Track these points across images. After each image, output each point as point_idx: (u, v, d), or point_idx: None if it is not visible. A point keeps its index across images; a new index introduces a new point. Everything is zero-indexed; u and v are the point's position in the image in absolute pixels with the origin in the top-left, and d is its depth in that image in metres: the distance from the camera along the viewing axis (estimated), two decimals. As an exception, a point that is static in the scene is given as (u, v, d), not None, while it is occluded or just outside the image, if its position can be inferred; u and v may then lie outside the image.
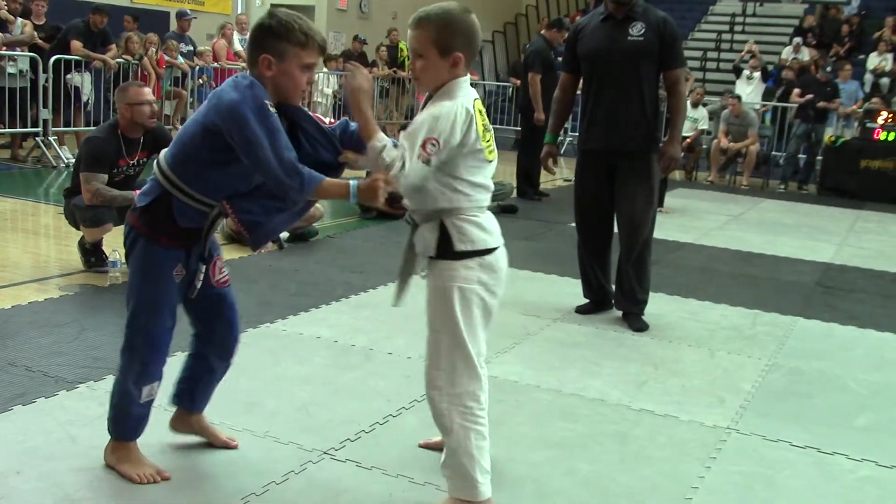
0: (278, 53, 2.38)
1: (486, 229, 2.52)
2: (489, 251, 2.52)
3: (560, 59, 5.63)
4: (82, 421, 2.93)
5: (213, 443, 2.83)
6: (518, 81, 12.96)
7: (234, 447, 2.82)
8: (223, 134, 2.33)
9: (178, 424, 2.83)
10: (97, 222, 4.88)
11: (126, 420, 2.60)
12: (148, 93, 4.82)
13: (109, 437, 2.64)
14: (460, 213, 2.45)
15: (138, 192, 2.58)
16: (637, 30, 4.37)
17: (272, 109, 2.34)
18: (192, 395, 2.78)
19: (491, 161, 2.53)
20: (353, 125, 2.56)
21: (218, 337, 2.73)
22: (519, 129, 11.18)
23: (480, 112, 2.47)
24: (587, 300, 4.76)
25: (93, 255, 5.02)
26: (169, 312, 2.55)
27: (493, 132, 2.57)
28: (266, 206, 2.44)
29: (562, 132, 5.12)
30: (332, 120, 2.65)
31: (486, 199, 2.52)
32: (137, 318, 2.53)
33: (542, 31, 9.30)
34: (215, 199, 2.47)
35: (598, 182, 4.56)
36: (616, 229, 4.61)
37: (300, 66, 2.42)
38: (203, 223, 2.51)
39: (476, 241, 2.48)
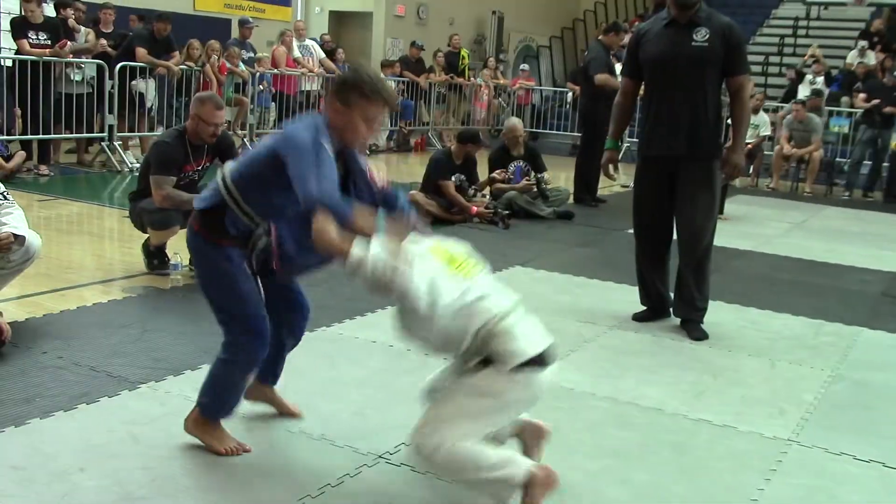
0: (346, 102, 2.58)
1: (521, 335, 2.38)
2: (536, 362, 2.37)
3: (618, 63, 5.59)
4: (144, 420, 2.99)
5: (282, 411, 3.10)
6: (577, 88, 12.96)
7: (299, 416, 3.08)
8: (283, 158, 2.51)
9: (254, 395, 3.04)
10: (164, 225, 4.98)
11: (224, 404, 2.82)
12: (221, 116, 4.88)
13: (197, 409, 2.82)
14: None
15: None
16: (702, 35, 4.30)
17: (328, 148, 2.49)
18: (267, 370, 3.00)
19: (474, 276, 2.43)
20: (401, 198, 2.73)
21: (287, 319, 2.96)
22: (577, 135, 11.16)
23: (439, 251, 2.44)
24: (644, 307, 4.71)
25: (156, 257, 5.12)
26: (254, 299, 2.76)
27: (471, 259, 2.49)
28: (304, 244, 2.51)
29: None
30: (385, 181, 2.75)
31: (499, 302, 2.41)
32: (225, 312, 2.74)
33: (600, 37, 9.27)
34: (263, 219, 2.68)
35: (659, 188, 4.50)
36: (676, 236, 4.55)
37: (364, 117, 2.60)
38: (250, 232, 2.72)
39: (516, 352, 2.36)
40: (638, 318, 4.66)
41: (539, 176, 7.83)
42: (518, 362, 2.34)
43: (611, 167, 4.77)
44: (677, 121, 4.37)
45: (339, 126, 2.59)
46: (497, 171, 7.84)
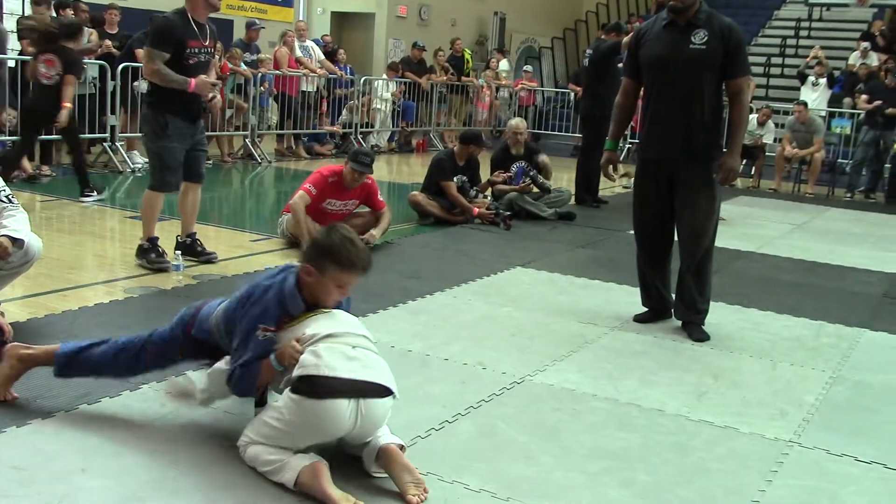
0: (321, 271, 2.72)
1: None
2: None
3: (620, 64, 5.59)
4: (145, 421, 2.99)
5: None
6: (578, 89, 12.97)
7: None
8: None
9: None
10: (163, 187, 5.09)
11: None
12: None
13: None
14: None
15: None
16: (700, 38, 4.29)
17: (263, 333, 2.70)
18: None
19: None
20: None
21: None
22: (578, 136, 11.19)
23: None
24: (646, 308, 4.71)
25: (152, 251, 5.11)
26: None
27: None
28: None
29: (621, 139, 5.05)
30: None
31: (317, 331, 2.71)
32: None
33: (603, 36, 9.30)
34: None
35: (659, 190, 4.50)
36: (677, 238, 4.55)
37: (337, 283, 2.75)
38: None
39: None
40: (639, 319, 4.66)
41: (533, 172, 7.83)
42: (290, 385, 2.61)
43: (610, 168, 4.77)
44: (674, 123, 4.36)
45: (312, 288, 2.75)
46: (497, 173, 7.85)
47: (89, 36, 9.35)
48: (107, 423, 2.96)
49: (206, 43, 4.94)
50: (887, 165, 11.26)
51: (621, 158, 4.93)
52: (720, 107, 4.48)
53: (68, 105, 7.39)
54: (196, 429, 2.96)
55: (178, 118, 4.92)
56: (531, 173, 7.83)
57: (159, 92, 4.89)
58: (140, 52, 9.34)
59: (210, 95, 5.04)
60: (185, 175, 5.12)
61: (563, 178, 9.92)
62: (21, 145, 7.91)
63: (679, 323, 4.57)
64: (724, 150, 4.45)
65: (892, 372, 4.13)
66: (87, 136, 9.36)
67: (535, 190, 7.86)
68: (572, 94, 14.76)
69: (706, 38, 4.28)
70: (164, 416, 3.04)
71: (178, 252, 5.17)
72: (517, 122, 8.19)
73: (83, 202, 7.15)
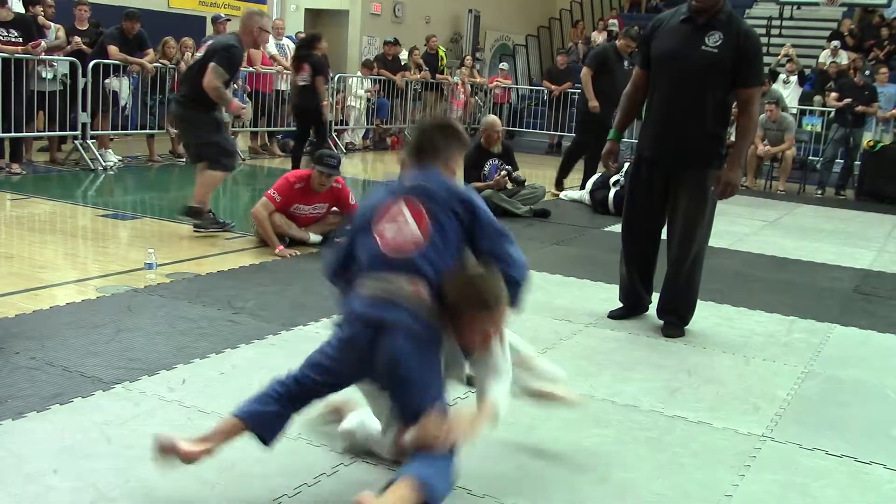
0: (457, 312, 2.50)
1: None
2: None
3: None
4: (118, 421, 2.97)
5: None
6: (553, 86, 13.07)
7: None
8: None
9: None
10: (228, 167, 6.12)
11: None
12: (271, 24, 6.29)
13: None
14: None
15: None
16: (714, 40, 4.11)
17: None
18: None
19: None
20: None
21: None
22: (552, 133, 11.29)
23: None
24: (621, 305, 4.72)
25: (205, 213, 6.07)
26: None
27: None
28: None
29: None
30: None
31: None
32: None
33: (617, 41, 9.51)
34: None
35: (652, 190, 4.39)
36: (667, 242, 4.47)
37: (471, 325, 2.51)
38: None
39: None
40: (614, 315, 4.67)
41: (507, 168, 7.86)
42: None
43: (611, 158, 4.63)
44: (675, 124, 4.24)
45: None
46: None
47: (56, 32, 9.24)
48: (79, 423, 2.94)
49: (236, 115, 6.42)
50: (857, 163, 11.39)
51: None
52: (726, 114, 4.33)
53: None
54: (170, 429, 2.93)
55: (212, 110, 6.05)
56: (506, 168, 7.85)
57: (207, 96, 5.88)
58: (112, 49, 9.29)
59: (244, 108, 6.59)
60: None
61: (539, 175, 9.94)
62: None
63: (654, 319, 4.58)
64: (725, 158, 4.31)
65: (862, 366, 4.18)
66: (58, 133, 9.27)
67: (511, 186, 7.87)
68: (545, 92, 14.82)
69: (720, 42, 4.10)
70: (137, 417, 3.01)
71: (152, 250, 5.13)
72: (493, 119, 8.21)
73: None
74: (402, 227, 2.51)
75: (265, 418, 2.50)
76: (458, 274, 2.50)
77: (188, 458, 2.44)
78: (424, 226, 2.50)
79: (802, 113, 12.64)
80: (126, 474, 2.60)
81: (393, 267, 2.48)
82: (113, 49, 9.34)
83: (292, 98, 9.51)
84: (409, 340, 2.40)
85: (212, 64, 5.82)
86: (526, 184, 8.00)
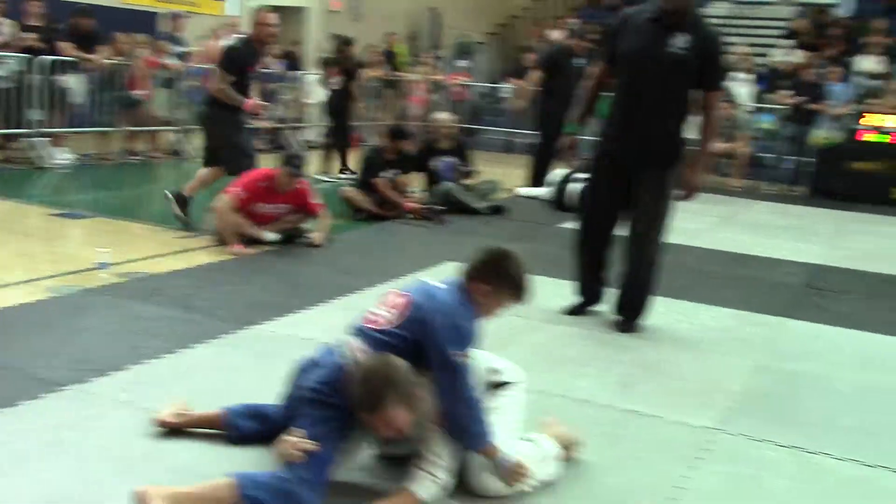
0: (498, 292, 2.74)
1: None
2: None
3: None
4: (70, 423, 2.93)
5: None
6: (521, 83, 13.13)
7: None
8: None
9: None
10: (238, 169, 6.00)
11: None
12: (275, 17, 6.29)
13: None
14: None
15: None
16: (680, 42, 4.11)
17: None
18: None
19: None
20: None
21: None
22: (511, 131, 11.33)
23: None
24: (576, 299, 4.73)
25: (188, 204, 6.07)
26: None
27: None
28: None
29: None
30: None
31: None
32: None
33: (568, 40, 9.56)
34: None
35: (610, 185, 4.41)
36: (627, 239, 4.49)
37: (502, 307, 2.78)
38: None
39: None
40: (569, 311, 4.69)
41: (458, 162, 7.97)
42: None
43: (569, 152, 4.64)
44: (637, 123, 4.24)
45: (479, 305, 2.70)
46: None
47: (7, 28, 9.06)
48: (30, 426, 2.89)
49: (257, 67, 6.37)
50: (809, 160, 11.58)
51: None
52: (686, 116, 4.34)
53: None
54: (120, 430, 2.91)
55: (232, 110, 6.16)
56: (458, 166, 7.94)
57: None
58: (64, 46, 9.14)
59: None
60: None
61: (494, 172, 9.97)
62: None
63: (608, 314, 4.62)
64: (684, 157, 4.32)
65: (813, 359, 4.26)
66: (9, 130, 9.10)
67: (466, 181, 7.91)
68: (508, 91, 14.84)
69: (687, 44, 4.11)
70: (89, 419, 2.98)
71: (105, 250, 5.06)
72: (445, 116, 8.25)
73: None
74: (382, 311, 2.70)
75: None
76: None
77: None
78: (397, 317, 2.64)
79: (757, 111, 12.81)
80: (79, 477, 2.57)
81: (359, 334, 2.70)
82: (65, 45, 9.19)
83: (328, 100, 10.24)
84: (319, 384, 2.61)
85: (217, 69, 6.20)
86: (479, 176, 8.08)
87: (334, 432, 2.54)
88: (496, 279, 2.68)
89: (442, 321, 2.54)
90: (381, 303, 2.74)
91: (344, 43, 10.11)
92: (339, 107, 9.85)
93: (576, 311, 4.70)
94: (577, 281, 4.74)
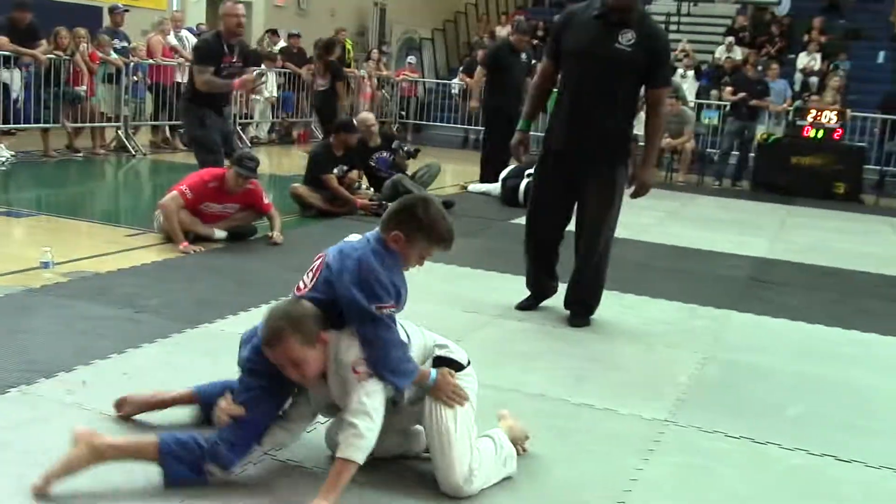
0: (410, 239, 2.66)
1: None
2: None
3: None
4: (14, 426, 2.86)
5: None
6: (468, 79, 13.21)
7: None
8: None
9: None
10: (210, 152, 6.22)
11: None
12: (241, 8, 6.37)
13: None
14: None
15: None
16: (626, 39, 4.12)
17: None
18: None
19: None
20: None
21: None
22: (459, 126, 11.37)
23: None
24: (528, 296, 4.76)
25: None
26: None
27: None
28: None
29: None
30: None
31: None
32: None
33: (511, 37, 9.49)
34: None
35: (557, 182, 4.42)
36: (575, 234, 4.51)
37: (421, 255, 2.70)
38: None
39: None
40: (521, 306, 4.71)
41: (396, 143, 8.13)
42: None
43: (521, 149, 4.64)
44: (584, 120, 4.24)
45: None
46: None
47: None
48: (-28, 429, 2.82)
49: (234, 60, 6.32)
50: (752, 154, 11.81)
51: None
52: (633, 112, 4.41)
53: None
54: (67, 432, 2.84)
55: (211, 111, 6.29)
56: (397, 144, 8.14)
57: (197, 93, 6.25)
58: (2, 40, 8.91)
59: (256, 87, 6.90)
60: (226, 154, 6.33)
61: (449, 169, 9.99)
62: None
63: (560, 309, 4.66)
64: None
65: (758, 351, 4.34)
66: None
67: (408, 160, 8.12)
68: (455, 87, 14.89)
69: (633, 41, 4.12)
70: (34, 421, 2.91)
71: (48, 249, 4.94)
72: (365, 115, 8.39)
73: None
74: (306, 277, 2.72)
75: None
76: (430, 202, 2.72)
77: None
78: (312, 280, 2.68)
79: (700, 107, 13.03)
80: (24, 480, 2.50)
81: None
82: (3, 40, 8.97)
83: (314, 100, 10.79)
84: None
85: (193, 67, 6.40)
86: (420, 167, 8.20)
87: (264, 398, 2.60)
88: (407, 226, 2.64)
89: (350, 278, 2.54)
90: (308, 269, 2.75)
91: (332, 44, 10.50)
92: (325, 106, 10.07)
93: (529, 305, 4.72)
94: (527, 276, 4.77)
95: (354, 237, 2.77)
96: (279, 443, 2.69)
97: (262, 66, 7.13)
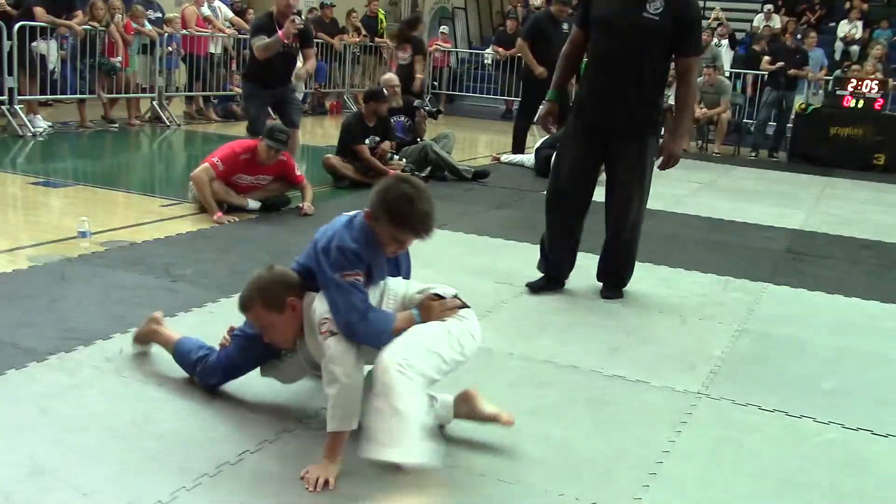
0: (377, 217, 2.64)
1: None
2: None
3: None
4: (53, 393, 2.91)
5: None
6: (500, 49, 13.10)
7: None
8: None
9: None
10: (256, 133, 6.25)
11: None
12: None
13: None
14: None
15: None
16: (655, 7, 4.03)
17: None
18: None
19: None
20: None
21: None
22: (491, 97, 11.26)
23: None
24: (541, 276, 4.57)
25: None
26: None
27: None
28: None
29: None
30: None
31: None
32: None
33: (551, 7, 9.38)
34: None
35: (584, 155, 4.34)
36: (605, 209, 4.43)
37: (391, 237, 2.67)
38: None
39: None
40: (532, 286, 4.53)
41: (418, 102, 8.21)
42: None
43: (549, 120, 4.57)
44: (613, 92, 4.18)
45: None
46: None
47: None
48: (14, 395, 2.87)
49: (287, 40, 6.62)
50: (789, 125, 11.63)
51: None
52: (663, 82, 4.31)
53: None
54: (106, 399, 2.90)
55: (254, 84, 6.87)
56: (417, 102, 8.22)
57: (249, 66, 7.09)
58: (38, 11, 8.98)
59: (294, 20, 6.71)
60: (284, 124, 6.55)
61: (481, 140, 9.96)
62: None
63: (595, 281, 4.61)
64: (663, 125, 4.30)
65: (794, 324, 4.30)
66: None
67: (432, 119, 8.34)
68: (488, 57, 14.79)
69: (661, 9, 4.03)
70: (73, 388, 2.96)
71: (85, 218, 5.01)
72: (389, 76, 8.40)
73: None
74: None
75: None
76: (398, 185, 2.72)
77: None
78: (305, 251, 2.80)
79: (737, 76, 12.83)
80: (63, 446, 2.56)
81: None
82: (39, 11, 9.03)
83: (399, 72, 10.60)
84: None
85: (250, 42, 6.89)
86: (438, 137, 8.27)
87: (247, 348, 2.93)
88: (378, 211, 2.63)
89: (323, 246, 2.62)
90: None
91: (415, 20, 10.96)
92: (408, 79, 10.08)
93: (539, 287, 4.52)
94: (541, 257, 4.60)
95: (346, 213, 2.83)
96: (273, 375, 2.97)
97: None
